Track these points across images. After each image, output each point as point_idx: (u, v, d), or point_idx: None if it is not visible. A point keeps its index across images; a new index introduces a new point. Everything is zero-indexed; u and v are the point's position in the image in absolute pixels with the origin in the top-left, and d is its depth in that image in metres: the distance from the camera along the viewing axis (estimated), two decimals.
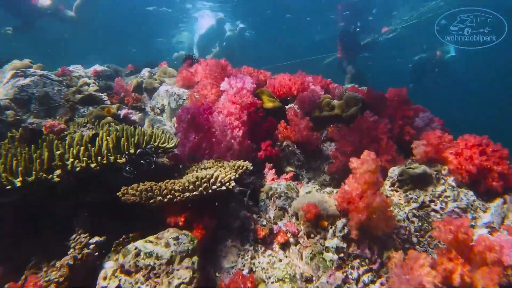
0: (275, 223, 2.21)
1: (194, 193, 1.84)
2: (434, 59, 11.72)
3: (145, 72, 4.69)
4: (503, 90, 19.87)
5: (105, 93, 4.01)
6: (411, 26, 12.39)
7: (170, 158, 2.70)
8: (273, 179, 2.74)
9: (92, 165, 1.98)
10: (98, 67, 5.18)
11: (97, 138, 2.12)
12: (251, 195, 2.46)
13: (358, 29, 10.99)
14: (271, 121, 2.97)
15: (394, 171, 2.53)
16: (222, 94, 3.12)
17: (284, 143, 3.05)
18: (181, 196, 1.86)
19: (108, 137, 2.23)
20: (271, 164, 2.85)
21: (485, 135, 2.60)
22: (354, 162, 2.08)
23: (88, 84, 4.25)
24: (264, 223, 2.18)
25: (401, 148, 3.25)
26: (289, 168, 2.98)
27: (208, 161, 2.55)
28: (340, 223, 2.07)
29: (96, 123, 2.99)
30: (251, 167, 2.41)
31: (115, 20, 15.95)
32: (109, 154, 2.10)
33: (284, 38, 16.82)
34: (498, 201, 2.42)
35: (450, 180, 2.48)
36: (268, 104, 3.20)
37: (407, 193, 2.44)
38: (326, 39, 13.19)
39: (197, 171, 2.40)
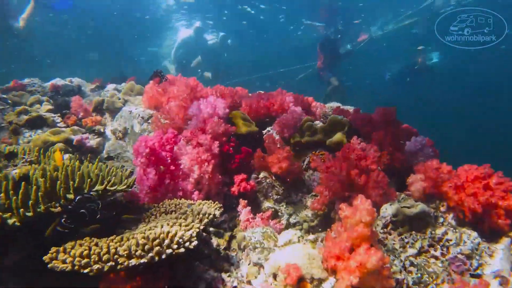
0: (249, 282, 1.82)
1: (143, 260, 1.43)
2: (417, 66, 11.68)
3: (110, 88, 4.20)
4: (492, 96, 20.12)
5: (59, 114, 3.53)
6: (390, 33, 12.33)
7: (126, 198, 2.27)
8: (247, 220, 2.36)
9: (10, 221, 1.55)
10: (58, 81, 4.66)
11: (23, 183, 1.68)
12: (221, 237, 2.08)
13: (339, 36, 10.77)
14: (246, 152, 2.60)
15: (387, 210, 2.20)
16: (192, 119, 2.73)
17: (261, 175, 2.69)
18: (126, 263, 1.44)
19: (40, 179, 1.80)
20: (246, 201, 2.47)
21: (486, 164, 2.31)
22: (345, 210, 1.73)
23: (40, 102, 3.75)
24: (235, 283, 1.79)
25: (391, 175, 2.95)
26: (266, 204, 2.61)
27: (171, 202, 2.14)
28: (327, 284, 1.71)
29: (41, 152, 2.53)
30: (220, 211, 2.02)
31: (87, 30, 15.27)
32: (38, 203, 1.66)
33: (268, 45, 16.51)
34: (505, 241, 2.12)
35: (450, 217, 2.18)
36: (243, 128, 2.83)
37: (403, 237, 2.11)
38: (308, 46, 12.99)
39: (156, 217, 1.99)
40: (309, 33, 12.99)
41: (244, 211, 2.40)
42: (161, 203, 2.14)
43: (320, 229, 2.64)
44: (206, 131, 2.51)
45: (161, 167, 2.33)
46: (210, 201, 2.13)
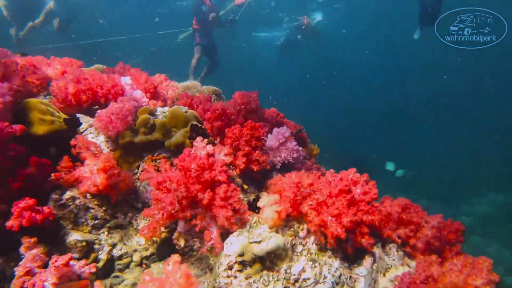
0: None
1: None
2: (303, 26, 11.81)
3: None
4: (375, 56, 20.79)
5: None
6: None
7: None
8: (26, 273, 1.56)
9: None
10: None
11: None
12: None
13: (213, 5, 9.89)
14: (38, 164, 1.74)
15: (231, 247, 1.69)
16: None
17: (67, 195, 1.87)
18: None
19: None
20: (34, 239, 1.66)
21: (352, 168, 2.01)
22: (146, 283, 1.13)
23: None
24: None
25: (249, 182, 2.51)
26: (73, 237, 1.83)
27: None
28: None
29: None
30: None
31: None
32: None
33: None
34: (368, 262, 1.86)
35: (310, 242, 1.80)
36: (39, 127, 1.92)
37: (251, 281, 1.65)
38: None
39: None
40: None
41: (26, 256, 1.60)
42: None
43: (158, 259, 2.04)
44: None
45: None
46: None
